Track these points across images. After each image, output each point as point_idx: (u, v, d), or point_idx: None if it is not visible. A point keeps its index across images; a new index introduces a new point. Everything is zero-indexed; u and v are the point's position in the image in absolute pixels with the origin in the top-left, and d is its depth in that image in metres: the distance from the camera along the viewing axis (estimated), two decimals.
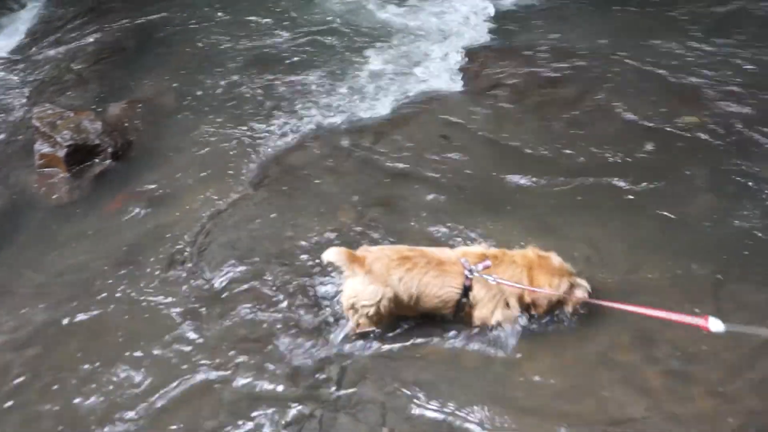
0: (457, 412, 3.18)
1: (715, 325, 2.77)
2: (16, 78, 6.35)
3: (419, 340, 3.51)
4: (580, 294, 3.43)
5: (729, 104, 5.43)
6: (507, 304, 3.45)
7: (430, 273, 3.38)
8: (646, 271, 3.89)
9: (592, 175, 4.75)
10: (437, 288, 3.37)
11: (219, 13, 7.47)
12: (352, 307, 3.42)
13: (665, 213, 4.35)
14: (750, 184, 4.59)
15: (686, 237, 4.14)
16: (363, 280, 3.36)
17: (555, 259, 3.49)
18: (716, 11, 7.10)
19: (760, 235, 4.11)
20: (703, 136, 5.11)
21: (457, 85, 6.16)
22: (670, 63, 6.10)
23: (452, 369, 3.37)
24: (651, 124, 5.29)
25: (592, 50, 6.46)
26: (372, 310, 3.38)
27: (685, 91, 5.72)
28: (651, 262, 3.94)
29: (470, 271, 3.37)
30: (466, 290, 3.38)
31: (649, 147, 5.05)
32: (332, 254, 3.36)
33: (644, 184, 4.64)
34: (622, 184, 4.65)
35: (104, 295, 4.02)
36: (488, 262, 3.39)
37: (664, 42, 6.52)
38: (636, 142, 5.08)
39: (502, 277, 3.37)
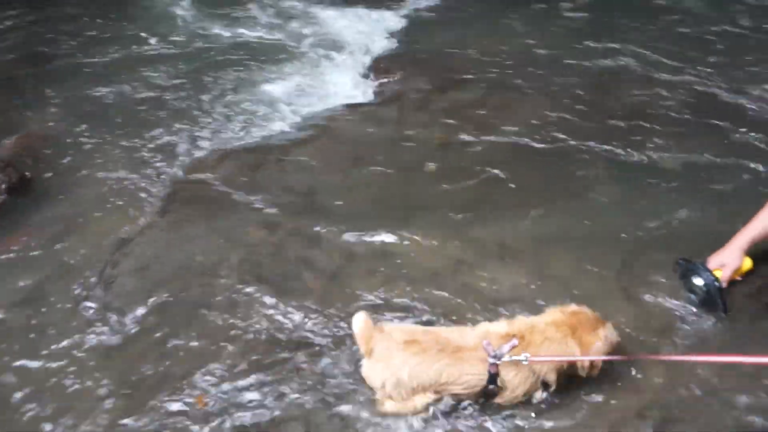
0: None
1: None
2: None
3: None
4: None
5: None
6: (545, 383, 3.13)
7: (443, 361, 3.01)
8: (554, 265, 4.04)
9: (499, 171, 4.91)
10: (454, 377, 3.04)
11: (107, 34, 7.37)
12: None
13: (571, 204, 4.54)
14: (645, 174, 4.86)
15: (590, 227, 4.31)
16: (366, 362, 3.16)
17: (584, 309, 3.20)
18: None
19: (652, 225, 4.36)
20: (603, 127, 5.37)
21: (364, 97, 6.24)
22: (566, 60, 6.40)
23: None
24: (554, 118, 5.50)
25: (494, 53, 6.69)
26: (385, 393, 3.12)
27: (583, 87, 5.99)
28: (557, 255, 4.09)
29: (495, 356, 2.99)
30: (493, 377, 3.01)
31: (551, 143, 5.27)
32: (356, 325, 3.14)
33: (547, 178, 4.83)
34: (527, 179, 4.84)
35: (6, 346, 3.80)
36: (515, 341, 3.00)
37: (556, 41, 6.86)
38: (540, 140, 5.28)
39: (539, 354, 3.02)
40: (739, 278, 3.73)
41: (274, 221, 4.54)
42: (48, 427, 3.31)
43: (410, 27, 7.57)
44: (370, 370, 3.14)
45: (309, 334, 3.67)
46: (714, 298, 3.54)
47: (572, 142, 5.28)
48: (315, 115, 5.92)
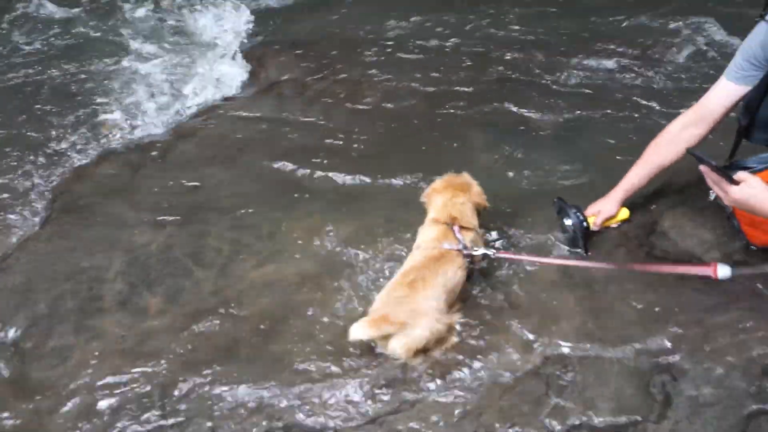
0: None
1: (723, 271, 3.14)
2: None
3: None
4: None
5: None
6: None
7: (440, 276, 3.35)
8: None
9: (386, 151, 5.14)
10: (457, 278, 3.43)
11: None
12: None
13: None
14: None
15: None
16: (398, 340, 3.19)
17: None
18: None
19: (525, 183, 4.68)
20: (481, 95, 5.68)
21: (239, 88, 6.28)
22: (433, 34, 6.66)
23: None
24: (430, 91, 5.76)
25: (365, 34, 6.86)
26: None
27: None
28: None
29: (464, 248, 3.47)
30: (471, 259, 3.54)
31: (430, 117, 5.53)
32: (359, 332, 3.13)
33: (431, 150, 5.08)
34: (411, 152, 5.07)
35: None
36: (456, 226, 3.54)
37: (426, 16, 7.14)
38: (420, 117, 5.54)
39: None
40: (614, 225, 4.11)
41: (159, 221, 4.57)
42: None
43: (275, 16, 7.61)
44: (409, 340, 3.19)
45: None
46: (578, 239, 3.90)
47: (453, 111, 5.54)
48: (193, 109, 5.91)
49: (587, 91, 5.74)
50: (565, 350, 3.35)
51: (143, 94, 6.08)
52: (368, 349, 3.40)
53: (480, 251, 3.57)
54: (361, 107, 5.69)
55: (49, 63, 6.65)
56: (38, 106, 5.96)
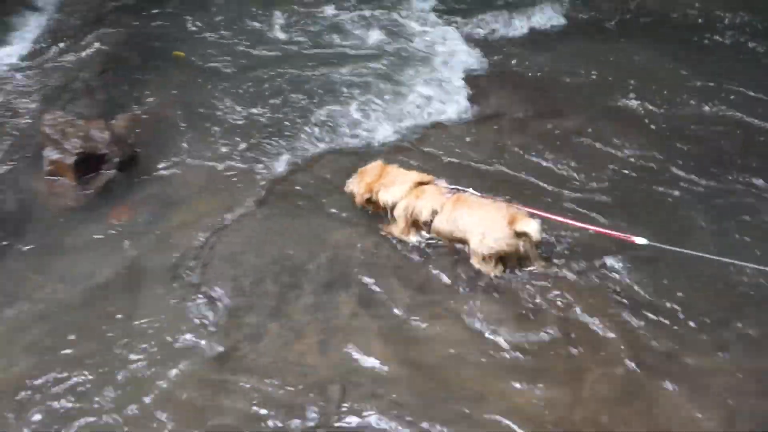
0: None
1: (640, 240, 3.95)
2: (26, 83, 6.55)
3: None
4: None
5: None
6: None
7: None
8: None
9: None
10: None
11: (224, 32, 7.63)
12: None
13: None
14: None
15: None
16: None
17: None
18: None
19: None
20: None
21: (458, 113, 6.31)
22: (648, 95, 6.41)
23: None
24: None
25: (587, 80, 6.69)
26: None
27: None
28: None
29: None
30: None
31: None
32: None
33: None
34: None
35: (107, 307, 4.24)
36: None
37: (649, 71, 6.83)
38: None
39: None
40: None
41: (368, 225, 4.80)
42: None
43: (502, 48, 7.51)
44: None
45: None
46: None
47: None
48: (411, 126, 6.05)
49: None
50: None
51: (366, 106, 6.30)
52: None
53: None
54: (585, 158, 5.57)
55: (284, 63, 7.11)
56: (272, 100, 6.39)
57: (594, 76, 6.74)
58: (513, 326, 3.99)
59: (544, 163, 5.49)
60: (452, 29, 7.77)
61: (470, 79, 6.86)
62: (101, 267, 4.56)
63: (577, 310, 4.07)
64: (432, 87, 6.71)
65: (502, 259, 4.27)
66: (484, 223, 4.22)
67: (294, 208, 5.01)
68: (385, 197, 4.62)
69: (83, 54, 7.01)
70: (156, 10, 7.97)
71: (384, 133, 5.96)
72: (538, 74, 6.89)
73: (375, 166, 4.84)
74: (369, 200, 4.73)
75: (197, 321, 4.08)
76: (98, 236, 4.84)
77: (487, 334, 3.95)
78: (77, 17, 7.99)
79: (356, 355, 3.85)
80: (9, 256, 4.69)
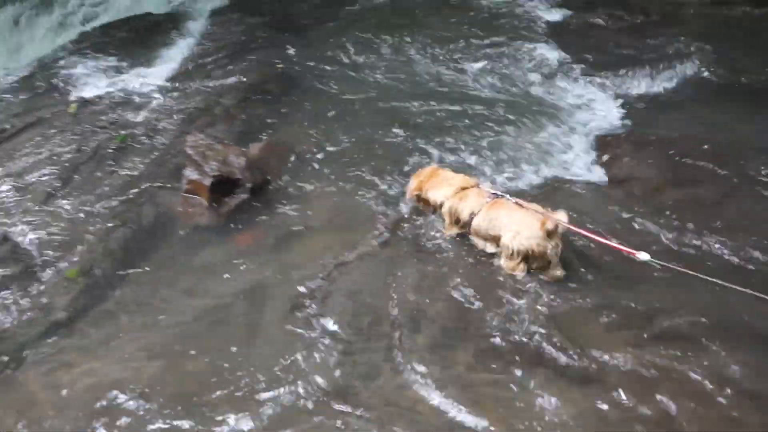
0: None
1: (643, 255, 4.16)
2: (170, 104, 7.01)
3: None
4: None
5: None
6: None
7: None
8: None
9: None
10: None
11: (367, 71, 7.87)
12: None
13: None
14: None
15: None
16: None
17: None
18: None
19: None
20: None
21: (588, 172, 6.20)
22: None
23: None
24: None
25: (728, 147, 6.36)
26: None
27: None
28: None
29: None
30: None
31: None
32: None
33: None
34: None
35: (227, 327, 4.44)
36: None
37: None
38: None
39: None
40: None
41: (485, 274, 4.74)
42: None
43: (636, 107, 7.33)
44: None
45: None
46: None
47: None
48: (536, 178, 5.98)
49: None
50: None
51: (499, 152, 6.27)
52: None
53: None
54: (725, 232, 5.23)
55: (416, 99, 7.22)
56: (402, 138, 6.50)
57: (735, 143, 6.42)
58: None
59: (673, 235, 5.26)
60: (587, 83, 7.67)
61: (601, 137, 6.73)
62: (225, 287, 4.76)
63: None
64: (560, 140, 6.63)
65: (526, 260, 4.65)
66: (519, 223, 4.67)
67: (416, 251, 5.02)
68: (434, 196, 5.17)
69: (225, 81, 7.44)
70: (299, 45, 8.39)
71: (506, 181, 5.92)
72: (675, 137, 6.60)
73: (429, 168, 5.40)
74: (419, 197, 5.29)
75: (313, 352, 4.14)
76: (224, 257, 5.06)
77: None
78: (222, 46, 8.53)
79: (465, 411, 3.77)
80: (143, 266, 4.99)
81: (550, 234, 4.53)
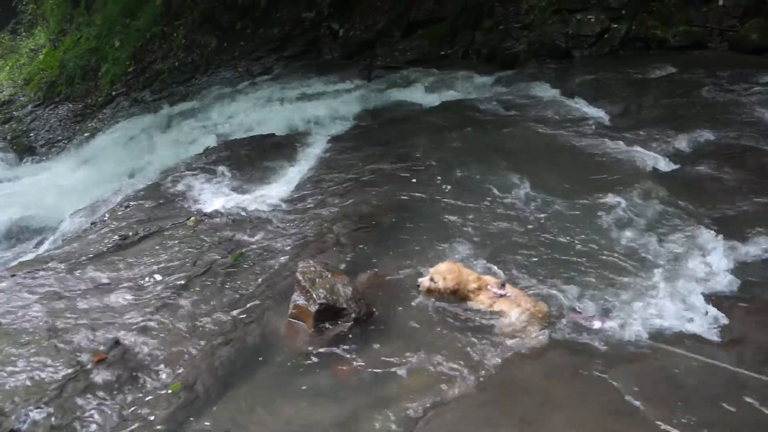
0: None
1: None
2: (284, 227, 7.50)
3: None
4: None
5: None
6: None
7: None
8: None
9: None
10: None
11: (474, 214, 8.04)
12: None
13: None
14: None
15: None
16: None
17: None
18: None
19: None
20: None
21: (697, 330, 6.02)
22: None
23: None
24: None
25: None
26: None
27: None
28: None
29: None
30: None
31: None
32: None
33: None
34: None
35: None
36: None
37: None
38: None
39: None
40: None
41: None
42: None
43: (750, 271, 7.12)
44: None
45: None
46: None
47: None
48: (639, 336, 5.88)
49: None
50: None
51: (613, 300, 6.16)
52: None
53: None
54: None
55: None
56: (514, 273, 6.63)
57: None
58: None
59: None
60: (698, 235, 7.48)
61: (711, 294, 6.57)
62: (320, 416, 4.92)
63: None
64: (669, 295, 6.50)
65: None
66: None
67: (519, 401, 5.01)
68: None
69: (339, 209, 7.90)
70: (413, 179, 8.79)
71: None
72: None
73: (445, 264, 6.06)
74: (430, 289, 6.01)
75: None
76: (322, 386, 5.24)
77: None
78: (338, 173, 9.07)
79: None
80: (243, 386, 5.25)
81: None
